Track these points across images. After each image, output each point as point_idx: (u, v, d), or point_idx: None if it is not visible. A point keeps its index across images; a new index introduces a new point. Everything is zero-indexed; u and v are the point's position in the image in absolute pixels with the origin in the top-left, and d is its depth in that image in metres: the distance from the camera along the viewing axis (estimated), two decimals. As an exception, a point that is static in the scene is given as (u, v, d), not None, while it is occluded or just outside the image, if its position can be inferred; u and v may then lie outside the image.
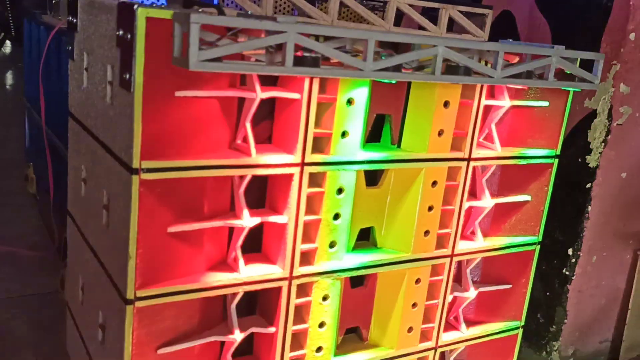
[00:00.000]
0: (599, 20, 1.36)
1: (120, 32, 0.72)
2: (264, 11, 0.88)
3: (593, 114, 1.39)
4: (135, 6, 0.68)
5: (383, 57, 0.80)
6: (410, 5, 0.99)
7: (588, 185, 1.41)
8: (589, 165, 1.40)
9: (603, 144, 1.38)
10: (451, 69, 0.87)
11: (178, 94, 0.74)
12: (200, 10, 0.75)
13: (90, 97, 0.88)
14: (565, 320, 1.50)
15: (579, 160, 1.42)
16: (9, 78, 4.57)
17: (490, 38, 1.66)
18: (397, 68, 0.80)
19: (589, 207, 1.42)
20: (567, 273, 1.48)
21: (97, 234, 0.87)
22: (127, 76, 0.71)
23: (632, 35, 1.31)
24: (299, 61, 0.73)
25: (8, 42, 5.08)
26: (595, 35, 1.37)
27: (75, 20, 0.92)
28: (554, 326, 1.51)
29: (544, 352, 1.53)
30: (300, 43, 0.71)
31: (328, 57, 0.75)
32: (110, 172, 0.80)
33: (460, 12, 1.04)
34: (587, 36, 1.39)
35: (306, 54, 0.74)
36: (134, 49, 0.69)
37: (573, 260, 1.46)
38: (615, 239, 1.49)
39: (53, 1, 1.81)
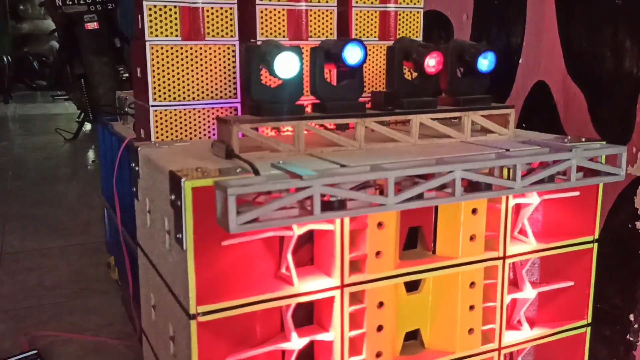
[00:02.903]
0: (632, 88, 1.38)
1: (172, 197, 0.84)
2: (297, 148, 0.99)
3: (638, 180, 1.39)
4: (183, 179, 0.80)
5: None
6: (434, 119, 1.07)
7: (641, 251, 1.40)
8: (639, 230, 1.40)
9: (651, 209, 1.38)
10: (473, 184, 0.93)
11: (224, 243, 0.85)
12: (238, 170, 0.85)
13: (154, 237, 1.00)
14: (636, 387, 1.47)
15: (629, 226, 1.42)
16: (90, 156, 4.95)
17: (525, 109, 1.69)
18: (419, 196, 0.88)
19: (645, 272, 1.40)
20: (631, 339, 1.46)
21: (167, 360, 0.98)
22: (180, 236, 0.82)
23: (666, 103, 1.32)
24: (326, 205, 0.82)
25: (87, 123, 5.52)
26: (629, 102, 1.38)
27: (137, 169, 1.06)
28: (624, 393, 1.49)
29: (618, 420, 1.50)
30: (325, 192, 0.81)
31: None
32: (173, 309, 0.91)
33: (483, 115, 1.10)
34: (622, 104, 1.41)
35: (332, 199, 0.83)
36: (184, 216, 0.80)
37: (635, 325, 1.44)
38: (679, 301, 1.46)
39: (122, 112, 2.01)
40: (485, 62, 1.09)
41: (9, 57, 7.88)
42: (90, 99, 4.81)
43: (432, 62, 1.07)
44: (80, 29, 4.26)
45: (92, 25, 4.25)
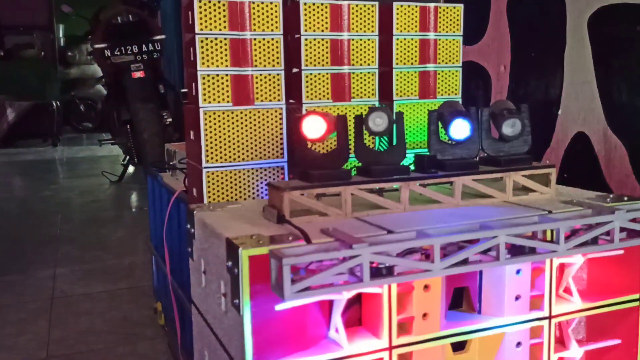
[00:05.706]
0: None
1: (229, 264, 0.89)
2: (344, 212, 1.03)
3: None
4: (240, 248, 0.85)
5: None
6: (475, 180, 1.10)
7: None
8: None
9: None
10: (517, 247, 0.95)
11: (278, 308, 0.89)
12: (291, 237, 0.90)
13: (208, 297, 1.05)
14: None
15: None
16: (134, 199, 5.11)
17: (565, 159, 1.71)
18: (464, 260, 0.91)
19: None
20: (684, 395, 1.42)
21: (222, 418, 1.02)
22: (237, 302, 0.87)
23: None
24: (375, 272, 0.86)
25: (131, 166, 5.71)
26: (672, 156, 1.39)
27: (193, 230, 1.12)
28: None
29: None
30: (373, 260, 0.84)
31: (400, 264, 0.87)
32: (228, 369, 0.96)
33: (524, 175, 1.13)
34: (665, 157, 1.41)
35: (380, 265, 0.87)
36: (241, 283, 0.85)
37: (688, 381, 1.41)
38: None
39: (171, 166, 2.10)
40: (510, 130, 1.13)
41: (58, 102, 8.25)
42: (136, 143, 4.99)
43: (457, 130, 1.11)
44: (127, 77, 4.46)
45: (139, 74, 4.44)
